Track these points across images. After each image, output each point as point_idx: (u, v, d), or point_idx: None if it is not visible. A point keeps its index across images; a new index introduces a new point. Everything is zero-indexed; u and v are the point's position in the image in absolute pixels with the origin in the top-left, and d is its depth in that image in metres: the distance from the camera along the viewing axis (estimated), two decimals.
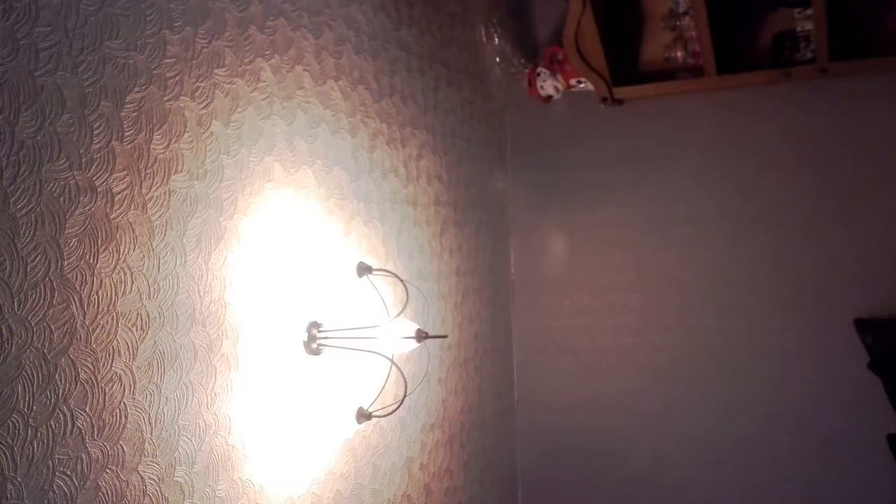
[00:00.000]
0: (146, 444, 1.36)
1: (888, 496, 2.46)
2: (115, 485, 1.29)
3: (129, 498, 1.32)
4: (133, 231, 1.34)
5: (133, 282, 1.34)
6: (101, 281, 1.28)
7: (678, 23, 2.67)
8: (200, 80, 1.52)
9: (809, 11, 2.39)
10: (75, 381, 1.23)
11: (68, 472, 1.22)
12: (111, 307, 1.29)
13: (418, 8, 2.40)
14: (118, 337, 1.31)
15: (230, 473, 1.54)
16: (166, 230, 1.41)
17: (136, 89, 1.37)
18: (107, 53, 1.31)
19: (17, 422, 1.15)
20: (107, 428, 1.28)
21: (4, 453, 1.13)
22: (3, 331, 1.13)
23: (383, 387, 1.83)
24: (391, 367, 1.79)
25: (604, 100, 2.70)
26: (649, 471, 2.77)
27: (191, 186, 1.48)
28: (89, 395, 1.25)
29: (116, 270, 1.31)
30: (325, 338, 1.77)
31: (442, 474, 2.38)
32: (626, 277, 2.82)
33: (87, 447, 1.25)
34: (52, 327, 1.20)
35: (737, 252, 2.67)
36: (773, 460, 2.61)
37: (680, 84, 2.66)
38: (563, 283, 2.92)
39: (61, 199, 1.22)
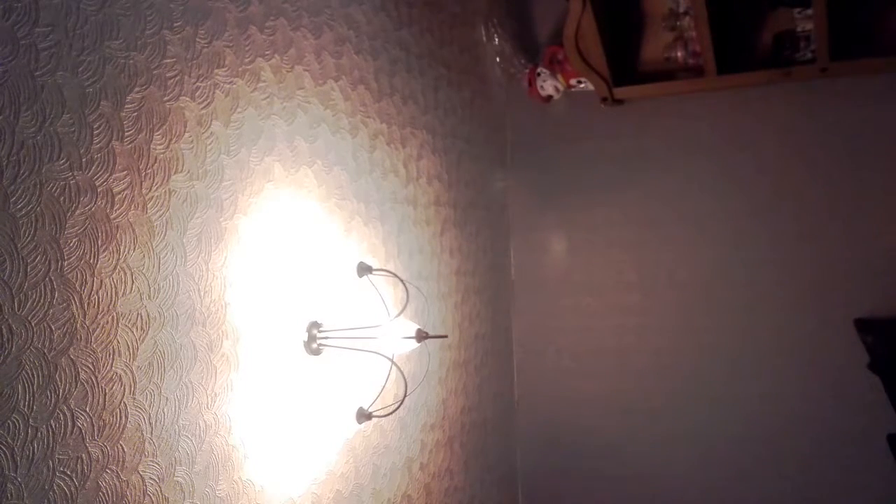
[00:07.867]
0: (146, 444, 1.36)
1: (888, 496, 2.46)
2: (115, 485, 1.29)
3: (129, 498, 1.32)
4: (133, 231, 1.34)
5: (133, 282, 1.34)
6: (102, 281, 1.28)
7: (678, 23, 2.67)
8: (200, 80, 1.52)
9: (809, 11, 2.38)
10: (75, 381, 1.23)
11: (68, 472, 1.22)
12: (111, 307, 1.29)
13: (418, 8, 2.40)
14: (118, 337, 1.31)
15: (230, 473, 1.54)
16: (166, 230, 1.41)
17: (136, 89, 1.37)
18: (107, 53, 1.31)
19: (18, 422, 1.15)
20: (107, 428, 1.28)
21: (4, 453, 1.13)
22: (4, 331, 1.13)
23: (383, 387, 1.83)
24: (391, 367, 1.79)
25: (604, 100, 2.70)
26: (649, 471, 2.77)
27: (191, 186, 1.48)
28: (89, 395, 1.25)
29: (116, 270, 1.31)
30: (326, 338, 1.77)
31: (442, 474, 2.38)
32: (626, 277, 2.82)
33: (87, 447, 1.25)
34: (53, 327, 1.20)
35: (737, 252, 2.67)
36: (772, 460, 2.61)
37: (680, 84, 2.66)
38: (563, 283, 2.92)
39: (61, 199, 1.22)
